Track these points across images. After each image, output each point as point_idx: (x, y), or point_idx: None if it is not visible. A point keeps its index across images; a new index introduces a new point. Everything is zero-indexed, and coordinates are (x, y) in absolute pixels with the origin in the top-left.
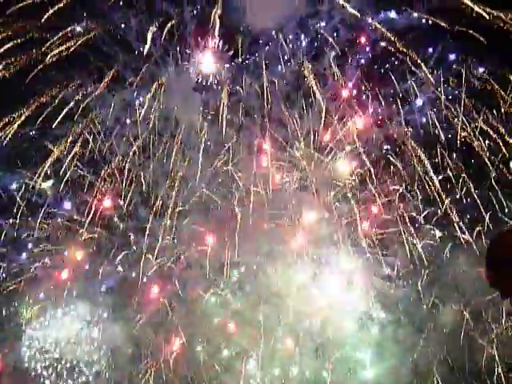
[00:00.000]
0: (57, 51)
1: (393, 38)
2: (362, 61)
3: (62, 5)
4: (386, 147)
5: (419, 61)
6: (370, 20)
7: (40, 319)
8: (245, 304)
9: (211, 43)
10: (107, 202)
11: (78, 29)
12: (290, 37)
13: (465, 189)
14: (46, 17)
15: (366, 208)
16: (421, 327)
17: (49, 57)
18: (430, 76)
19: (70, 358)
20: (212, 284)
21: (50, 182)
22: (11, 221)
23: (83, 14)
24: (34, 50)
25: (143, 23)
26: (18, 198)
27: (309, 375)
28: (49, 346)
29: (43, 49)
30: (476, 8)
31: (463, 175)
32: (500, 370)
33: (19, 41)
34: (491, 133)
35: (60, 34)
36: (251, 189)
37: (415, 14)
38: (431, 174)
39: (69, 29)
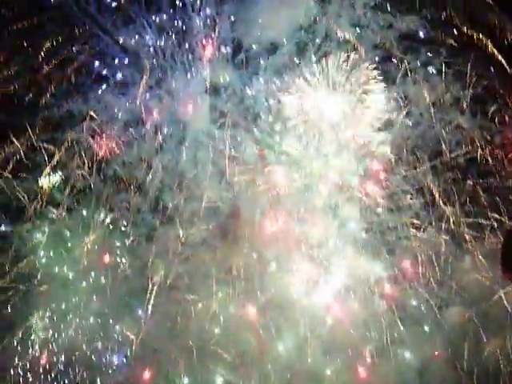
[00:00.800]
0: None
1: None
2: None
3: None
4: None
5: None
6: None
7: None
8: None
9: (219, 50)
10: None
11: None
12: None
13: (470, 193)
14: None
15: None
16: (426, 328)
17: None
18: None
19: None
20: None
21: (56, 177)
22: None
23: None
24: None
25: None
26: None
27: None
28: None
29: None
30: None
31: (468, 180)
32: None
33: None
34: (495, 137)
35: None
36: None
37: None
38: (436, 177)
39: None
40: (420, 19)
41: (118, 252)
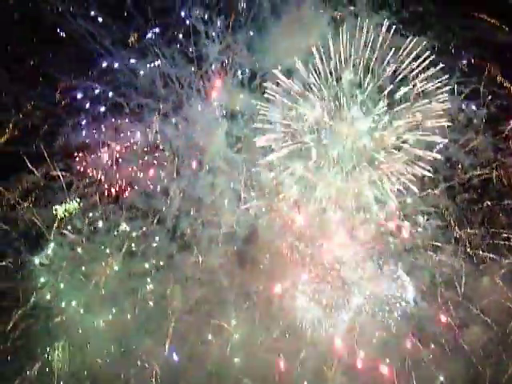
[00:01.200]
0: None
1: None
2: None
3: None
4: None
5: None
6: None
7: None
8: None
9: (235, 76)
10: None
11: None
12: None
13: (487, 214)
14: None
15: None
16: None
17: None
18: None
19: None
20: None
21: (74, 205)
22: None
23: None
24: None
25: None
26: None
27: None
28: None
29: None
30: None
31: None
32: None
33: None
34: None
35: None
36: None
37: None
38: (452, 198)
39: None
40: (430, 40)
41: (137, 278)
